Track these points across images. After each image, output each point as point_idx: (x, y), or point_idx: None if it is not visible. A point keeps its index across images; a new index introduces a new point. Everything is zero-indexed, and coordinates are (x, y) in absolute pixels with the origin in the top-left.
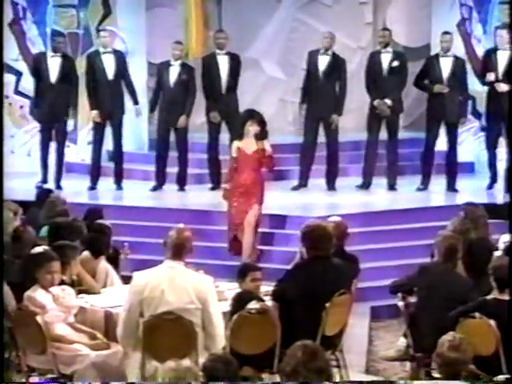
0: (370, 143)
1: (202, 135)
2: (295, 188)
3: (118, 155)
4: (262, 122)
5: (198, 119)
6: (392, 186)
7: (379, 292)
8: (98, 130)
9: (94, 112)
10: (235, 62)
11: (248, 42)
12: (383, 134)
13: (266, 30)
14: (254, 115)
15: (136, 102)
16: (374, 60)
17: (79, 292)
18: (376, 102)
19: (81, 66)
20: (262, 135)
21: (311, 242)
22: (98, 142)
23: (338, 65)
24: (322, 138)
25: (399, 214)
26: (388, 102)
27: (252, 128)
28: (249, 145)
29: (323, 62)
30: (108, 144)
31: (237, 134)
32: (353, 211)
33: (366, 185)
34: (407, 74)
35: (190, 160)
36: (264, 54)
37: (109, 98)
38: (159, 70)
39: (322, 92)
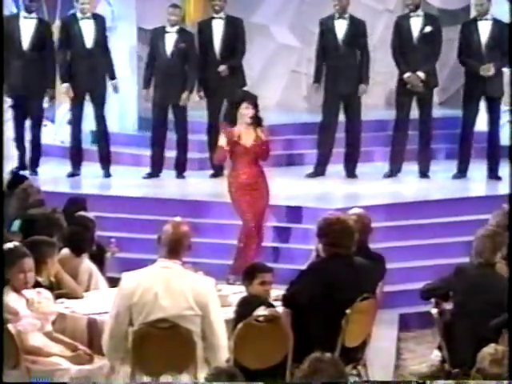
0: (399, 123)
1: (202, 113)
2: (311, 175)
3: (102, 136)
4: (256, 106)
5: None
6: (424, 173)
7: (409, 297)
8: (75, 106)
9: (66, 85)
10: (234, 28)
11: (255, 5)
12: (414, 112)
13: None
14: (249, 96)
15: (112, 77)
16: (402, 25)
17: (58, 296)
18: (406, 76)
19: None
20: (258, 121)
21: (329, 237)
22: (76, 120)
23: (358, 29)
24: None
25: (432, 205)
26: (421, 75)
27: (247, 111)
28: (246, 135)
29: (341, 27)
30: (92, 123)
31: (229, 119)
32: (378, 202)
33: (393, 172)
34: (441, 42)
35: (190, 142)
36: (274, 18)
37: (86, 69)
38: (153, 38)
39: (342, 64)
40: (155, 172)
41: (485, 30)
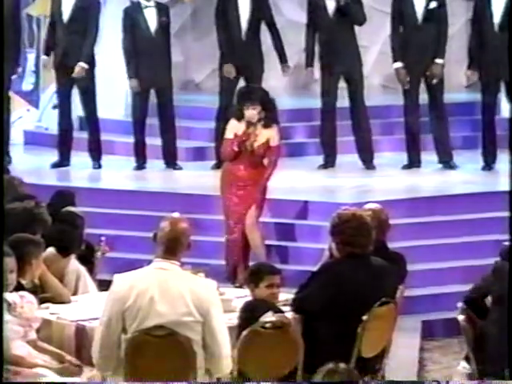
0: (410, 107)
1: (205, 98)
2: (322, 167)
3: (91, 123)
4: (266, 103)
5: (198, 76)
6: (446, 165)
7: (433, 302)
8: (62, 88)
9: (45, 58)
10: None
11: None
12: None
13: None
14: (250, 95)
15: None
16: (402, 3)
17: (43, 300)
18: (398, 67)
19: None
20: (270, 120)
21: (344, 235)
22: (64, 104)
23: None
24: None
25: (457, 200)
26: (440, 61)
27: (250, 113)
28: (253, 135)
29: None
30: (80, 108)
31: (235, 115)
32: (395, 197)
33: (413, 163)
34: (447, 17)
35: (188, 130)
36: None
37: (64, 41)
38: (128, 17)
39: (338, 37)
40: (140, 163)
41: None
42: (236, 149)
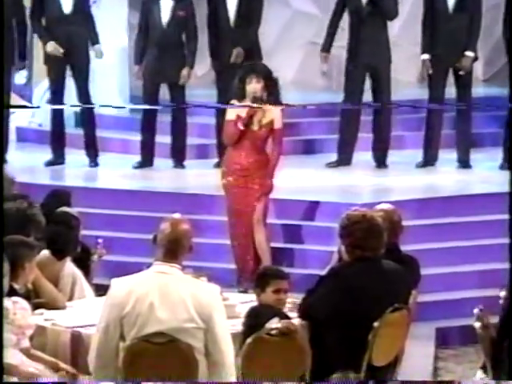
0: (434, 101)
1: (208, 92)
2: (332, 165)
3: (86, 118)
4: (270, 79)
5: (199, 69)
6: (465, 163)
7: (448, 308)
8: (56, 80)
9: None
10: None
11: None
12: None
13: None
14: (254, 69)
15: (95, 41)
16: None
17: (36, 306)
18: (425, 58)
19: None
20: (273, 99)
21: (354, 238)
22: (56, 99)
23: None
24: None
25: (475, 200)
26: (470, 54)
27: (253, 87)
28: (255, 115)
29: None
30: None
31: (236, 93)
32: (410, 196)
33: (428, 161)
34: (481, 8)
35: (190, 126)
36: None
37: (65, 32)
38: (145, 5)
39: (369, 32)
40: (147, 161)
41: None
42: (242, 127)
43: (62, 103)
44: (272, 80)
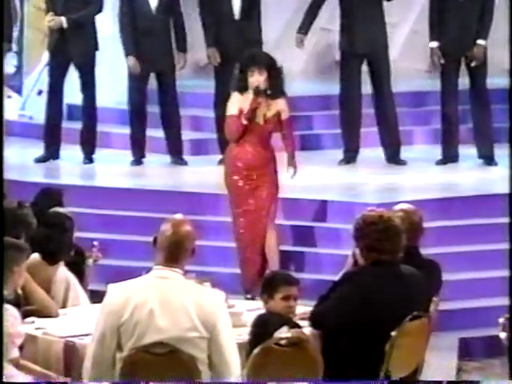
0: (447, 93)
1: (211, 83)
2: (342, 162)
3: (89, 111)
4: (273, 69)
5: (203, 57)
6: (489, 159)
7: (471, 317)
8: (56, 70)
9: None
10: None
11: None
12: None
13: None
14: (256, 59)
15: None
16: None
17: (27, 314)
18: (433, 46)
19: None
20: (277, 90)
21: (370, 240)
22: (56, 89)
23: None
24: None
25: (498, 200)
26: (482, 43)
27: (256, 79)
28: (259, 108)
29: None
30: (69, 95)
31: (236, 85)
32: (428, 196)
33: (449, 158)
34: None
35: (191, 119)
36: None
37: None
38: None
39: (362, 11)
40: (138, 157)
41: None
42: (245, 122)
43: (61, 94)
44: (276, 69)
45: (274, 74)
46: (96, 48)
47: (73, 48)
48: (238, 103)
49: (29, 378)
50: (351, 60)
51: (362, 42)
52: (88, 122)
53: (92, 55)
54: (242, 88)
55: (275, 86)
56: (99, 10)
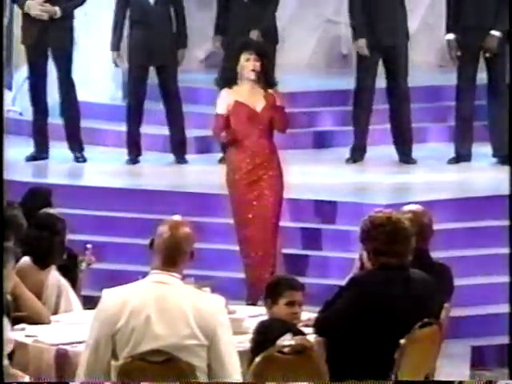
0: (463, 88)
1: (211, 77)
2: (349, 160)
3: (68, 106)
4: (263, 56)
5: (202, 51)
6: (503, 158)
7: (484, 324)
8: (36, 64)
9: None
10: None
11: None
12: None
13: None
14: (249, 43)
15: None
16: None
17: (16, 320)
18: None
19: None
20: (268, 79)
21: (378, 243)
22: (38, 85)
23: None
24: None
25: None
26: (496, 33)
27: (250, 64)
28: (254, 97)
29: None
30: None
31: (225, 76)
32: (440, 196)
33: (461, 156)
34: None
35: (191, 116)
36: None
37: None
38: None
39: (383, 6)
40: (134, 156)
41: None
42: (226, 113)
43: (44, 89)
44: (269, 59)
45: (268, 63)
46: (72, 41)
47: (51, 40)
48: (226, 101)
49: None
50: (372, 52)
51: (386, 35)
52: (69, 117)
53: (70, 48)
54: (232, 80)
55: (267, 75)
56: (83, 1)
